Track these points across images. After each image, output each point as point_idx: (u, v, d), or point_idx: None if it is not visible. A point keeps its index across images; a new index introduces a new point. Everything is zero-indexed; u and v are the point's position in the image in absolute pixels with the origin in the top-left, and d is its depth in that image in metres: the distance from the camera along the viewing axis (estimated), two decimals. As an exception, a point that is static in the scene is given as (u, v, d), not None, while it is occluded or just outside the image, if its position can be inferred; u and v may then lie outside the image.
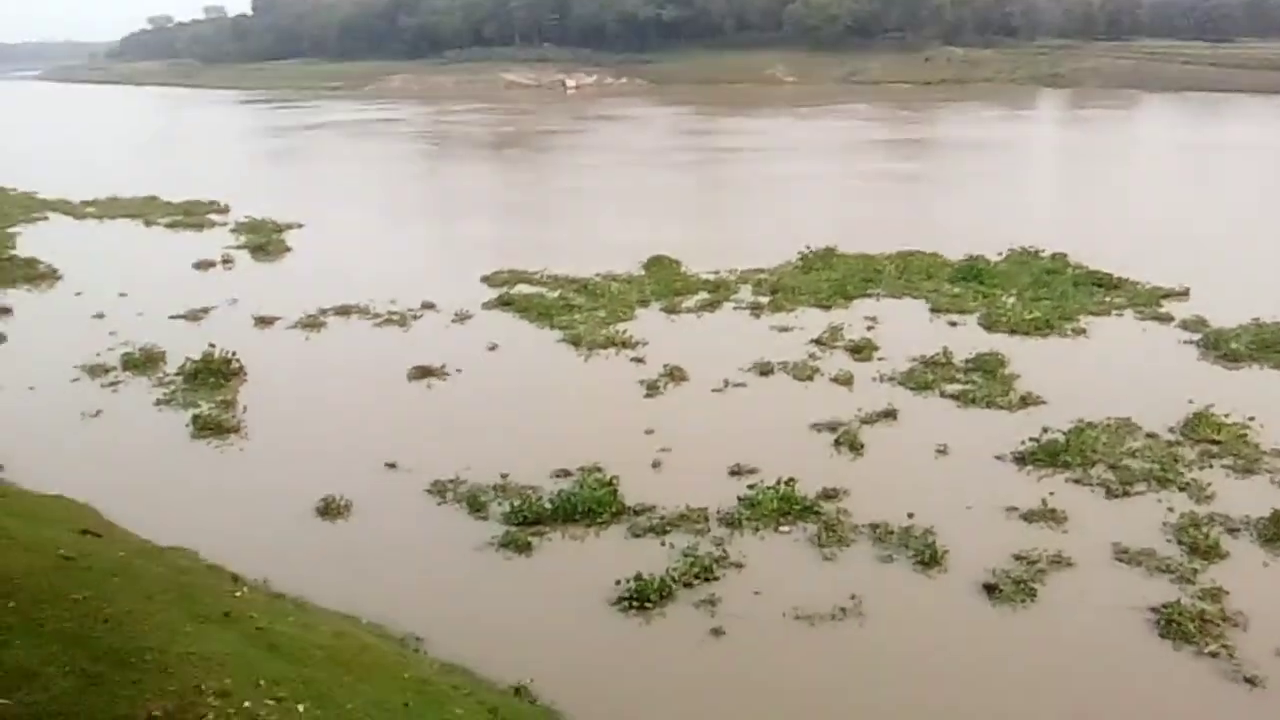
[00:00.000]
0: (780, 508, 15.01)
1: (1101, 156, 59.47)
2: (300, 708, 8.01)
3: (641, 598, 12.77)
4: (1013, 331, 23.55)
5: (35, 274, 31.77)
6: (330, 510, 15.54)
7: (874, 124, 79.88)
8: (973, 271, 28.31)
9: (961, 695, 11.19)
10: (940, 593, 13.15)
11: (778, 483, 15.47)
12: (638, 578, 12.94)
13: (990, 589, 13.00)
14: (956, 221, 37.66)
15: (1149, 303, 25.76)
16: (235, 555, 12.93)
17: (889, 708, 11.04)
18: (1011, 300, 26.09)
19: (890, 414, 18.73)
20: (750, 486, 15.64)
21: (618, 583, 12.99)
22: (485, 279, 29.42)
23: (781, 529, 14.68)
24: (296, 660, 9.26)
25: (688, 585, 13.13)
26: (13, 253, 34.89)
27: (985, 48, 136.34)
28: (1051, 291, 26.51)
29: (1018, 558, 13.64)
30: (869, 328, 24.13)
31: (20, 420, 19.63)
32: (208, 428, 18.94)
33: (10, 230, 39.43)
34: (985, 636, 12.31)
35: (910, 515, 14.64)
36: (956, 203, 43.97)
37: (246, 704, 7.68)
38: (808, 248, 30.87)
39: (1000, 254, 30.04)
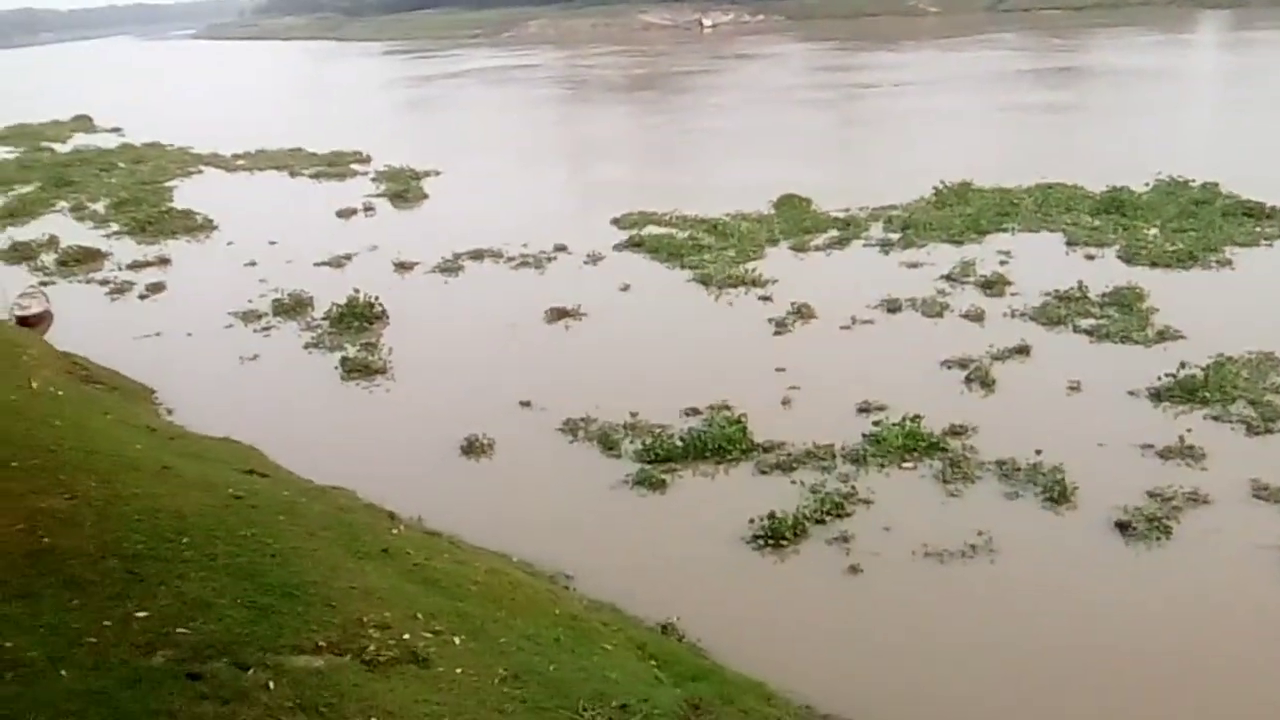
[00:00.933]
0: (906, 444, 15.03)
1: (1266, 81, 55.78)
2: (456, 640, 8.40)
3: (776, 535, 12.96)
4: (1154, 264, 22.83)
5: (193, 225, 33.57)
6: (474, 449, 16.14)
7: (1022, 54, 76.34)
8: (1115, 203, 27.35)
9: (1097, 633, 11.09)
10: (1071, 530, 13.02)
11: (903, 419, 15.48)
12: (771, 516, 13.10)
13: (1123, 526, 12.83)
14: (1103, 152, 36.12)
15: (1302, 232, 24.58)
16: (388, 492, 13.53)
17: (1024, 645, 11.03)
18: (1154, 232, 25.22)
19: (1023, 350, 18.45)
20: (875, 423, 15.69)
21: (751, 521, 13.17)
22: (615, 221, 29.77)
23: (905, 465, 14.73)
24: (452, 595, 9.64)
25: (819, 522, 13.26)
26: (170, 205, 36.88)
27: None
28: (1198, 222, 25.48)
29: (1151, 495, 13.40)
30: (1002, 262, 23.67)
31: (184, 365, 20.83)
32: (356, 369, 19.89)
33: (168, 184, 41.62)
34: (1119, 574, 12.16)
35: (1038, 452, 14.48)
36: (1103, 132, 41.99)
37: (405, 636, 8.11)
38: (942, 183, 30.30)
39: (1147, 184, 28.94)
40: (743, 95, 61.85)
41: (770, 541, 12.94)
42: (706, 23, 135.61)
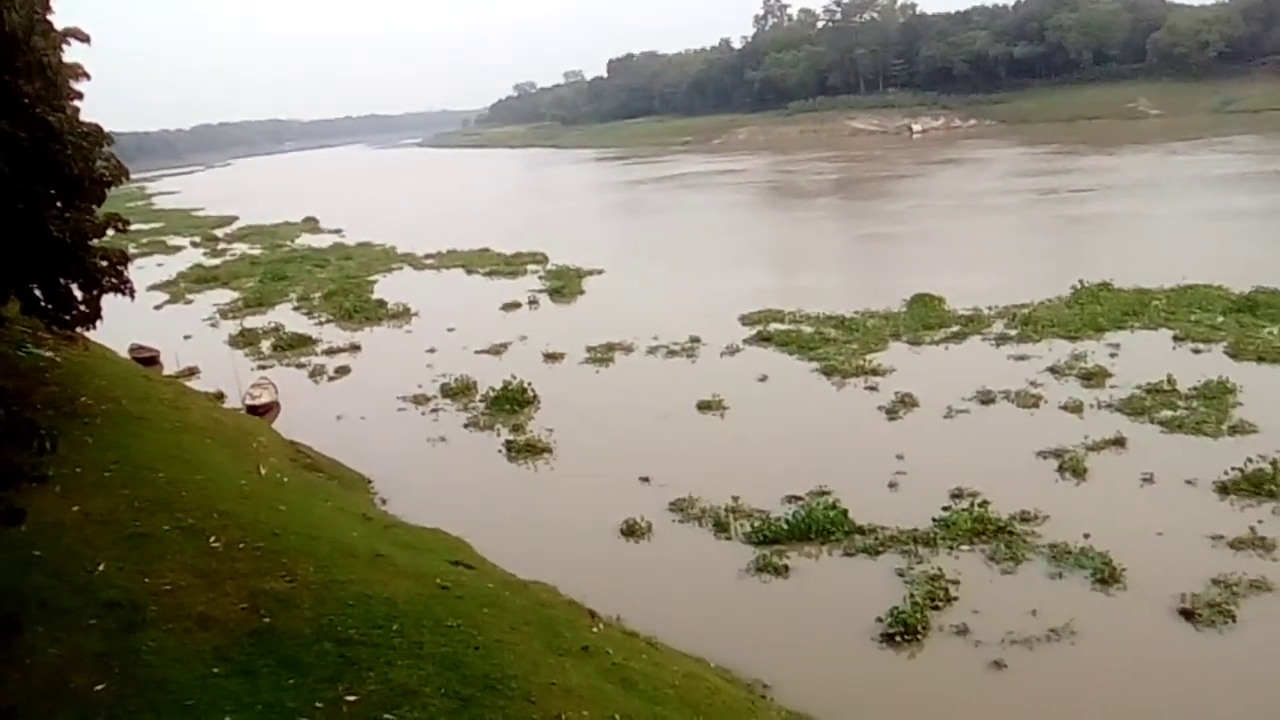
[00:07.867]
0: (974, 528, 15.95)
1: None
2: None
3: (910, 629, 13.56)
4: (1260, 359, 23.03)
5: (384, 314, 37.47)
6: (633, 532, 17.39)
7: (1248, 157, 71.67)
8: (1250, 303, 27.31)
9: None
10: (1136, 613, 13.67)
11: (970, 505, 16.53)
12: (894, 612, 13.72)
13: (1186, 614, 13.39)
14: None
15: None
16: (559, 572, 14.42)
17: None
18: (1275, 329, 25.14)
19: (1118, 442, 18.99)
20: (944, 508, 16.69)
21: (879, 620, 13.77)
22: (742, 318, 31.28)
23: (963, 548, 15.61)
24: (649, 698, 10.15)
25: (934, 608, 14.01)
26: (370, 296, 40.87)
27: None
28: (1331, 318, 25.16)
29: (1215, 582, 13.90)
30: (1110, 355, 24.25)
31: (373, 447, 22.37)
32: (523, 450, 21.58)
33: (370, 279, 46.06)
34: (1190, 656, 12.90)
35: (1086, 536, 15.26)
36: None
37: None
38: (1080, 283, 30.74)
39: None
40: (930, 201, 61.07)
41: (905, 637, 13.49)
42: (916, 128, 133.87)
